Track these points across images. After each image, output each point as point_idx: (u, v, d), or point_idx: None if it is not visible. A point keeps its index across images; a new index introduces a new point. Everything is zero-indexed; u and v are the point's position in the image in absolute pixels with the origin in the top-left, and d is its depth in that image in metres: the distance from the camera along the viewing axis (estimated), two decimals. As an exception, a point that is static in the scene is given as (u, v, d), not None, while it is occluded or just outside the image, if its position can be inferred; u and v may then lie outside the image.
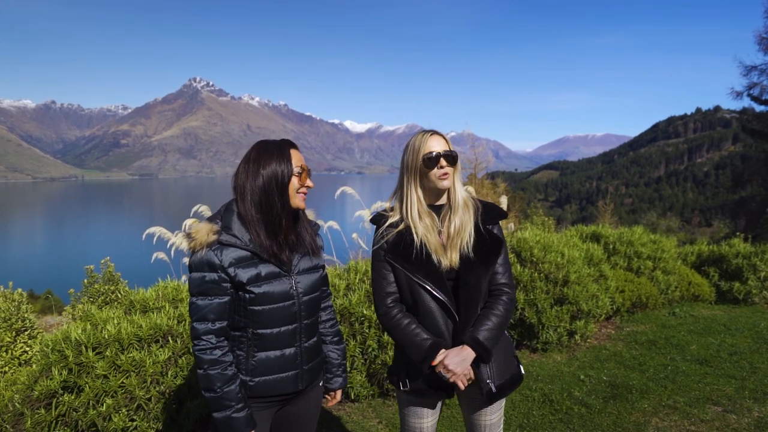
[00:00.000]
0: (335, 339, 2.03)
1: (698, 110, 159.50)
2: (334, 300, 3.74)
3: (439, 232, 1.85)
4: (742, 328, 5.35)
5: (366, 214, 6.17)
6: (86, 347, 2.79)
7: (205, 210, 5.82)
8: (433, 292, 1.78)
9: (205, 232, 1.64)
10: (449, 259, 1.80)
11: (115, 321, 3.00)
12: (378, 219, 1.91)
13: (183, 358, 3.01)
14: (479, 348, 1.75)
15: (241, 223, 1.69)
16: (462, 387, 1.75)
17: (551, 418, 3.49)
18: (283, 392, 1.77)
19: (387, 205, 1.98)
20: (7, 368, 3.90)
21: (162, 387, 2.87)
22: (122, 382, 2.75)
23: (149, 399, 2.81)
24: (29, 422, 2.62)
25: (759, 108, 20.58)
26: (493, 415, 1.93)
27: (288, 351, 1.76)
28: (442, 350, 1.76)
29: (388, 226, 1.86)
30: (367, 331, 3.72)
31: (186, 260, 5.42)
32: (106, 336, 2.85)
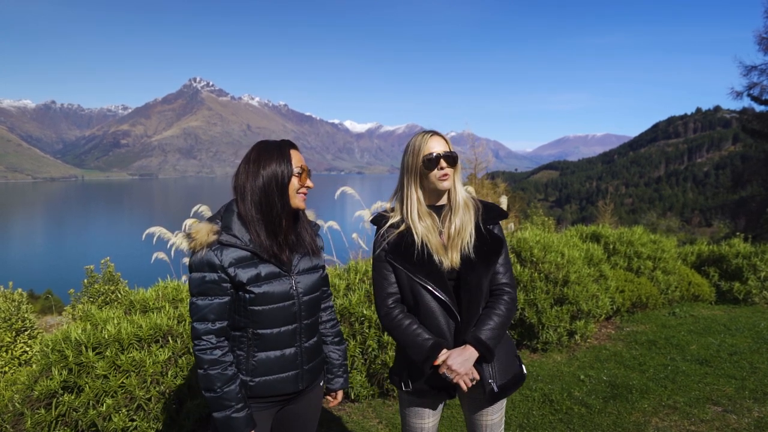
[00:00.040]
0: (336, 339, 2.03)
1: (698, 110, 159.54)
2: (334, 300, 3.74)
3: (440, 233, 1.85)
4: (742, 328, 5.35)
5: (366, 214, 6.17)
6: (86, 347, 2.79)
7: (205, 210, 5.82)
8: (435, 293, 1.78)
9: (205, 232, 1.64)
10: (450, 259, 1.80)
11: (115, 321, 3.00)
12: (379, 220, 1.91)
13: (183, 358, 3.01)
14: (482, 348, 1.75)
15: (241, 223, 1.70)
16: (465, 388, 1.74)
17: (551, 418, 3.49)
18: (284, 392, 1.77)
19: (387, 205, 1.98)
20: (7, 368, 3.90)
21: (162, 387, 2.87)
22: (122, 382, 2.75)
23: (149, 399, 2.81)
24: (29, 422, 2.62)
25: (759, 108, 20.60)
26: (495, 415, 1.93)
27: (288, 351, 1.76)
28: (444, 350, 1.76)
29: (388, 227, 1.86)
30: (367, 331, 3.72)
31: (186, 260, 5.42)
32: (106, 336, 2.85)
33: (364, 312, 3.74)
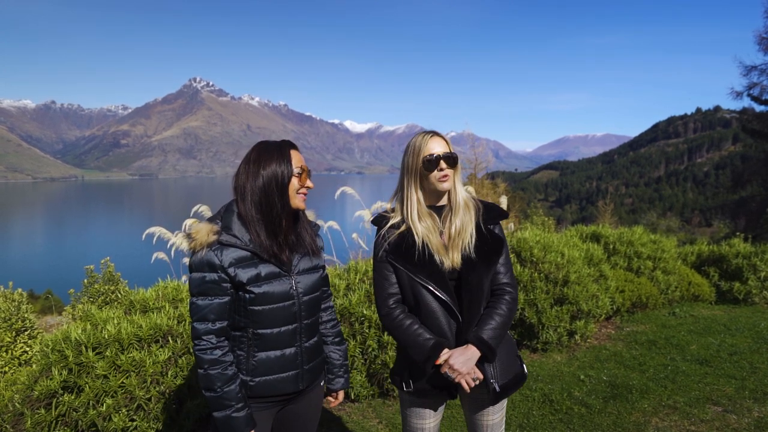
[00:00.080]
0: (336, 339, 2.03)
1: (698, 110, 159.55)
2: (334, 300, 3.75)
3: (441, 233, 1.85)
4: (742, 328, 5.35)
5: (366, 214, 6.17)
6: (86, 347, 2.79)
7: (205, 210, 5.82)
8: (436, 293, 1.78)
9: (205, 232, 1.65)
10: (451, 259, 1.80)
11: (115, 321, 3.00)
12: (379, 220, 1.91)
13: (183, 358, 3.01)
14: (484, 347, 1.75)
15: (241, 223, 1.70)
16: (467, 388, 1.74)
17: (551, 418, 3.49)
18: (284, 392, 1.77)
19: (388, 206, 1.98)
20: (7, 368, 3.90)
21: (162, 387, 2.87)
22: (122, 382, 2.75)
23: (149, 399, 2.81)
24: (29, 422, 2.62)
25: (759, 108, 20.60)
26: (496, 415, 1.93)
27: (288, 351, 1.77)
28: (446, 350, 1.76)
29: (389, 228, 1.86)
30: (367, 331, 3.72)
31: (186, 260, 5.42)
32: (106, 336, 2.85)
33: (364, 312, 3.74)
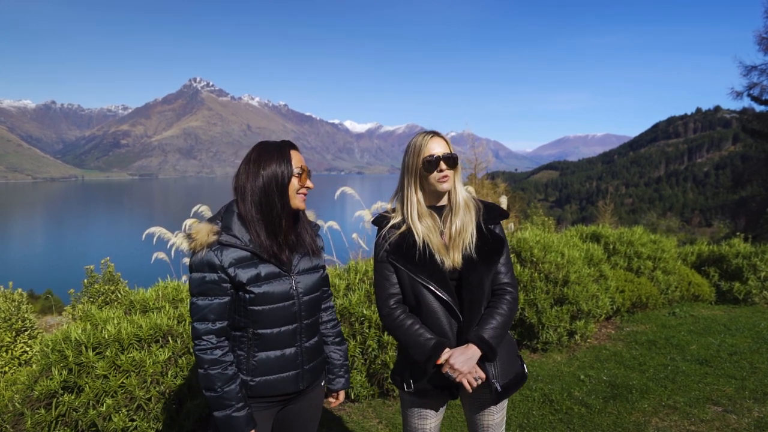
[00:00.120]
0: (337, 339, 2.03)
1: (698, 110, 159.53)
2: (334, 300, 3.75)
3: (441, 233, 1.85)
4: (742, 328, 5.35)
5: (366, 214, 6.17)
6: (86, 347, 2.79)
7: (205, 210, 5.82)
8: (437, 293, 1.78)
9: (205, 232, 1.65)
10: (452, 259, 1.80)
11: (115, 321, 3.00)
12: (380, 220, 1.92)
13: (183, 358, 3.01)
14: (485, 346, 1.75)
15: (241, 223, 1.70)
16: (468, 387, 1.74)
17: (551, 418, 3.49)
18: (284, 392, 1.78)
19: (388, 206, 1.98)
20: (7, 368, 3.90)
21: (162, 387, 2.87)
22: (122, 382, 2.75)
23: (149, 399, 2.81)
24: (29, 422, 2.62)
25: (759, 108, 20.60)
26: (496, 415, 1.93)
27: (288, 351, 1.77)
28: (447, 349, 1.76)
29: (390, 228, 1.86)
30: (367, 331, 3.72)
31: (186, 260, 5.42)
32: (106, 336, 2.85)
33: (364, 312, 3.74)
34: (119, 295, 4.66)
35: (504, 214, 1.92)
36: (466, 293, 1.79)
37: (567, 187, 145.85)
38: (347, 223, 6.80)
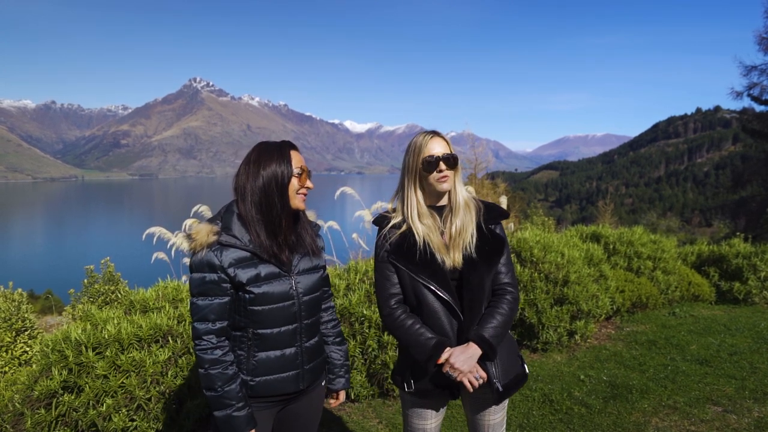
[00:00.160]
0: (337, 339, 2.03)
1: (698, 110, 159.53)
2: (334, 300, 3.75)
3: (442, 233, 1.85)
4: (742, 328, 5.35)
5: (366, 214, 6.18)
6: (86, 347, 2.79)
7: (206, 210, 5.83)
8: (438, 292, 1.78)
9: (205, 233, 1.65)
10: (452, 259, 1.80)
11: (115, 321, 3.00)
12: (380, 220, 1.92)
13: (183, 358, 3.01)
14: (485, 345, 1.75)
15: (241, 223, 1.70)
16: (469, 386, 1.74)
17: (551, 418, 3.49)
18: (284, 392, 1.78)
19: (389, 206, 1.98)
20: (7, 368, 3.91)
21: (162, 387, 2.87)
22: (122, 382, 2.75)
23: (149, 399, 2.81)
24: (29, 422, 2.62)
25: (759, 108, 20.60)
26: (497, 415, 1.93)
27: (288, 351, 1.77)
28: (447, 348, 1.76)
29: (391, 228, 1.87)
30: (367, 331, 3.72)
31: (186, 260, 5.42)
32: (106, 336, 2.85)
33: (364, 312, 3.74)
34: (119, 295, 4.66)
35: (504, 214, 1.92)
36: (466, 293, 1.79)
37: (567, 187, 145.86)
38: (347, 223, 6.80)
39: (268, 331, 1.72)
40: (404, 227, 1.84)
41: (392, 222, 1.87)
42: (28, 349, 4.07)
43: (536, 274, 4.85)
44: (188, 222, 5.40)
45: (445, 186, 1.81)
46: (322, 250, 1.95)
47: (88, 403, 2.68)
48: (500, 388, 1.81)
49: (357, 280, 4.11)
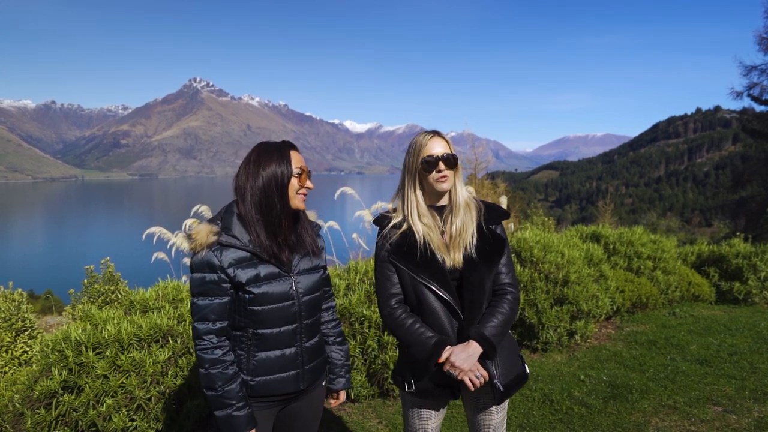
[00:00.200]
0: (338, 339, 2.03)
1: (698, 110, 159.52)
2: (334, 300, 3.75)
3: (442, 233, 1.85)
4: (742, 328, 5.35)
5: (366, 214, 6.18)
6: (86, 347, 2.79)
7: (206, 210, 5.83)
8: (438, 292, 1.78)
9: (205, 233, 1.66)
10: (452, 259, 1.80)
11: (115, 321, 3.00)
12: (381, 220, 1.92)
13: (183, 358, 3.01)
14: (485, 343, 1.74)
15: (241, 224, 1.71)
16: (470, 385, 1.73)
17: (551, 418, 3.49)
18: (284, 392, 1.78)
19: (390, 206, 1.98)
20: (7, 368, 3.91)
21: (162, 387, 2.87)
22: (122, 382, 2.75)
23: (149, 399, 2.81)
24: (29, 422, 2.62)
25: (759, 108, 20.60)
26: (498, 415, 1.93)
27: (288, 351, 1.77)
28: (448, 347, 1.76)
29: (391, 228, 1.87)
30: (367, 331, 3.73)
31: (186, 260, 5.42)
32: (106, 336, 2.85)
33: (364, 312, 3.74)
34: (119, 295, 4.66)
35: (505, 215, 1.92)
36: (467, 293, 1.79)
37: (567, 187, 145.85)
38: (347, 223, 6.80)
39: (268, 331, 1.72)
40: (405, 227, 1.84)
41: (393, 222, 1.87)
42: (28, 349, 4.07)
43: (536, 274, 4.85)
44: (188, 222, 5.40)
45: (444, 186, 1.81)
46: (323, 250, 1.95)
47: (88, 403, 2.68)
48: (501, 388, 1.81)
49: (357, 280, 4.11)
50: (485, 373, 1.76)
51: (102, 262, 4.94)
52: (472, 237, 1.82)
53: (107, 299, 4.69)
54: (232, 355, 1.70)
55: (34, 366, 3.05)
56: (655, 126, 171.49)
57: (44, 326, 5.58)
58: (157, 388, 2.85)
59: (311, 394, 1.90)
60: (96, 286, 4.80)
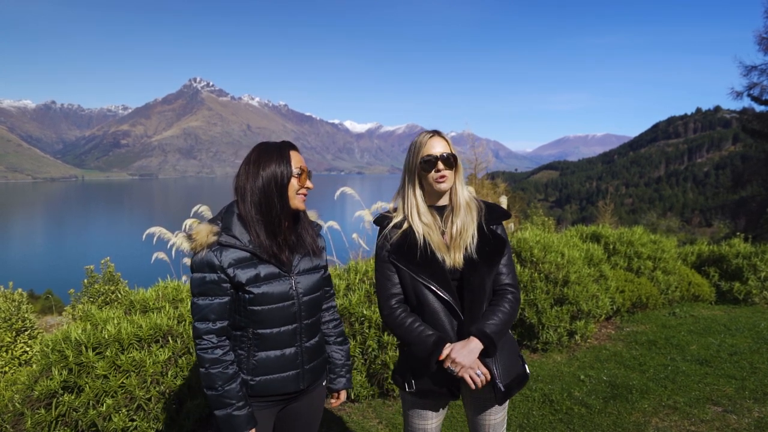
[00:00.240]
0: (339, 339, 2.03)
1: (698, 110, 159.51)
2: (335, 300, 3.75)
3: (443, 233, 1.85)
4: (742, 328, 5.35)
5: (366, 214, 6.18)
6: (86, 347, 2.79)
7: (205, 210, 5.83)
8: (438, 292, 1.78)
9: (205, 233, 1.66)
10: (453, 259, 1.80)
11: (115, 321, 3.00)
12: (381, 220, 1.91)
13: (183, 358, 3.01)
14: (486, 340, 1.74)
15: (241, 224, 1.71)
16: (471, 383, 1.73)
17: (551, 418, 3.49)
18: (284, 392, 1.78)
19: (390, 205, 1.98)
20: (7, 368, 3.91)
21: (162, 387, 2.87)
22: (122, 382, 2.75)
23: (149, 399, 2.81)
24: (29, 422, 2.62)
25: (759, 108, 20.60)
26: (498, 415, 1.93)
27: (288, 351, 1.77)
28: (448, 344, 1.76)
29: (392, 227, 1.87)
30: (367, 331, 3.73)
31: (186, 260, 5.43)
32: (106, 336, 2.85)
33: (364, 312, 3.74)
34: (119, 295, 4.66)
35: (506, 215, 1.92)
36: (467, 293, 1.79)
37: (567, 187, 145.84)
38: (347, 223, 6.80)
39: (268, 331, 1.73)
40: (405, 227, 1.84)
41: (393, 221, 1.87)
42: (28, 349, 4.07)
43: (536, 274, 4.85)
44: (188, 222, 5.41)
45: (443, 186, 1.81)
46: (323, 250, 1.95)
47: (88, 403, 2.68)
48: (502, 388, 1.81)
49: (357, 280, 4.11)
50: (486, 372, 1.76)
51: (102, 262, 4.94)
52: (472, 237, 1.82)
53: (107, 299, 4.69)
54: (233, 355, 1.71)
55: (34, 366, 3.05)
56: (655, 126, 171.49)
57: (44, 326, 5.58)
58: (157, 388, 2.85)
59: (311, 394, 1.90)
60: (96, 286, 4.80)
